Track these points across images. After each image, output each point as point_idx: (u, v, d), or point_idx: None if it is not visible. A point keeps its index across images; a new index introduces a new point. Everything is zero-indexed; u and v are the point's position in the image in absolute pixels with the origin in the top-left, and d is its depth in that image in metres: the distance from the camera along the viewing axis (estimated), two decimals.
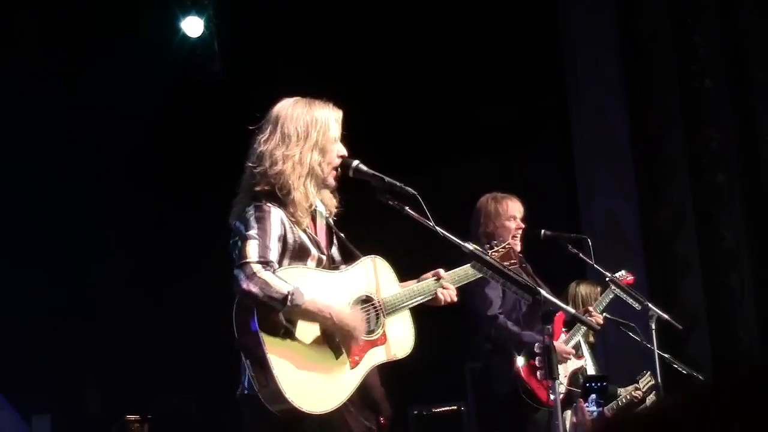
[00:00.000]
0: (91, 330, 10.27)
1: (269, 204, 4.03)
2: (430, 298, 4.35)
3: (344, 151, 4.22)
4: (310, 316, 3.90)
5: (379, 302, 4.21)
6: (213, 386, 4.55)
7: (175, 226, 10.47)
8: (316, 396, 3.89)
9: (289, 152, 4.10)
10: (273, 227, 3.98)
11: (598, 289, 7.35)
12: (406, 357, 4.25)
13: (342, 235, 4.37)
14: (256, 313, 3.83)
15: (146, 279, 10.64)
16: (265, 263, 3.87)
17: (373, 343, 4.15)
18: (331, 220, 4.34)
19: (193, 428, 10.31)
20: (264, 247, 3.91)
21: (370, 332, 4.15)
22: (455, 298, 4.40)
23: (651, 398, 6.88)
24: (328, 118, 4.20)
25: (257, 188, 4.09)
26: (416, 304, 4.32)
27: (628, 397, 7.09)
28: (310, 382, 3.90)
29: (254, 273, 3.80)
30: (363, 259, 4.29)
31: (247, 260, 3.85)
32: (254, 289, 3.78)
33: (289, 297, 3.78)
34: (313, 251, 4.12)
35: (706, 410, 0.93)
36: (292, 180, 4.05)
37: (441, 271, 4.40)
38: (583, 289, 7.40)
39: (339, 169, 4.20)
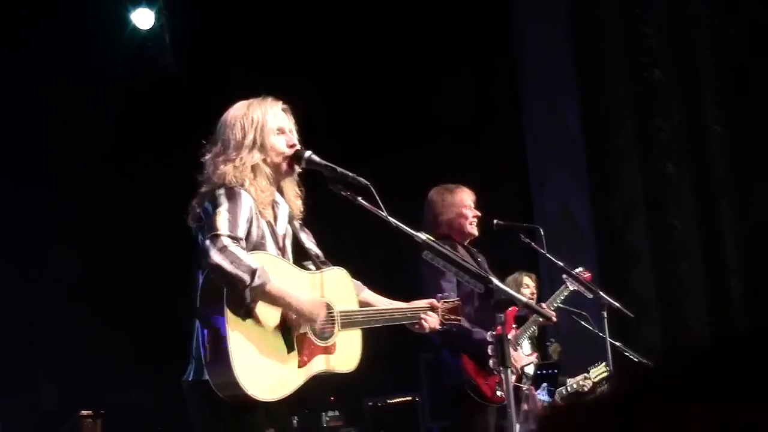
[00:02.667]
0: (42, 326, 10.19)
1: (240, 187, 4.04)
2: (413, 322, 4.45)
3: (293, 140, 4.23)
4: (271, 297, 3.89)
5: (337, 313, 4.21)
6: (166, 381, 4.54)
7: (127, 220, 10.40)
8: (263, 383, 3.88)
9: (228, 156, 4.12)
10: (243, 208, 3.97)
11: (523, 276, 7.42)
12: (346, 373, 4.27)
13: (313, 243, 4.39)
14: (225, 288, 3.83)
15: (98, 274, 10.56)
16: (235, 239, 3.86)
17: (323, 350, 4.14)
18: (296, 226, 4.34)
19: (147, 423, 10.27)
20: (234, 223, 3.90)
21: (323, 338, 4.15)
22: (438, 326, 4.51)
23: (604, 389, 6.91)
24: (264, 114, 4.20)
25: (202, 190, 4.10)
26: (386, 324, 4.37)
27: (575, 386, 7.12)
28: (260, 368, 3.89)
29: (225, 246, 3.78)
30: (331, 268, 4.30)
31: (218, 232, 3.83)
32: (224, 262, 3.75)
33: (257, 274, 3.77)
34: (271, 244, 4.12)
35: (655, 391, 0.94)
36: (237, 177, 4.06)
37: (434, 301, 4.51)
38: (508, 280, 7.47)
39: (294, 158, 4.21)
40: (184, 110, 9.19)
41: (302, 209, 4.37)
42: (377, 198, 3.98)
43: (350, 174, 4.07)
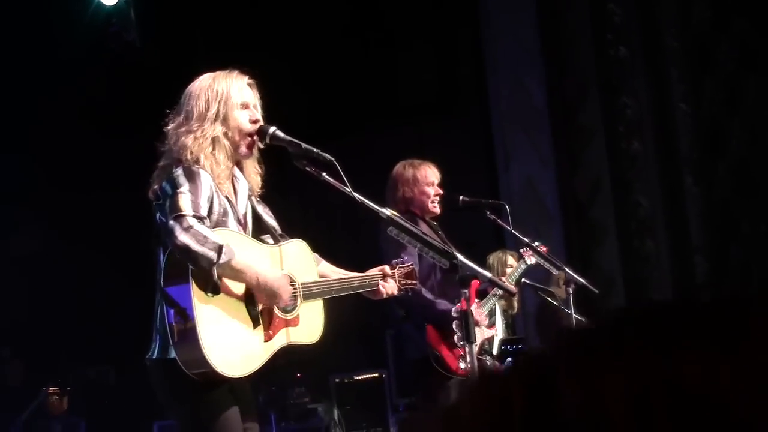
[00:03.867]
0: (7, 303, 10.12)
1: (197, 166, 4.02)
2: (371, 290, 4.47)
3: (256, 116, 4.20)
4: (238, 273, 3.91)
5: (298, 285, 4.22)
6: (132, 357, 4.55)
7: (92, 195, 10.35)
8: (231, 359, 3.90)
9: (190, 127, 4.09)
10: (203, 187, 3.96)
11: (507, 255, 7.44)
12: (310, 346, 4.28)
13: (271, 217, 4.38)
14: (192, 266, 3.83)
15: (63, 250, 10.51)
16: (199, 218, 3.85)
17: (287, 323, 4.15)
18: (255, 201, 4.34)
19: (112, 399, 10.24)
20: (197, 203, 3.89)
21: (286, 311, 4.15)
22: (396, 292, 4.55)
23: None
24: (229, 87, 4.18)
25: (161, 164, 4.08)
26: (345, 294, 4.38)
27: None
28: (228, 344, 3.91)
29: (191, 226, 3.77)
30: (290, 240, 4.31)
31: (183, 213, 3.82)
32: (190, 241, 3.74)
33: (223, 251, 3.77)
34: (232, 220, 4.11)
35: (576, 352, 0.95)
36: (196, 151, 4.04)
37: (386, 268, 4.51)
38: (491, 258, 7.49)
39: (256, 136, 4.19)
40: (149, 86, 9.14)
41: (261, 185, 4.35)
42: (342, 174, 3.98)
43: (315, 150, 4.06)
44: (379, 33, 10.94)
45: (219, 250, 3.76)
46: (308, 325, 4.25)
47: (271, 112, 4.33)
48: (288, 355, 4.21)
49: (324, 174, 4.05)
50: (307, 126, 4.66)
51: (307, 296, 4.24)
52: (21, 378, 10.46)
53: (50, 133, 10.30)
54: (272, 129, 4.16)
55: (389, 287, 4.50)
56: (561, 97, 10.05)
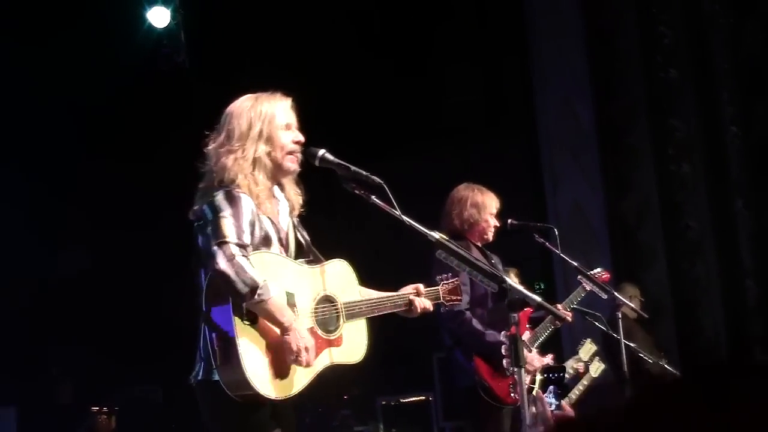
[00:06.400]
0: (56, 322, 10.21)
1: (238, 190, 4.03)
2: (405, 308, 4.42)
3: (300, 137, 4.21)
4: (268, 314, 3.90)
5: (341, 305, 4.22)
6: (179, 376, 4.57)
7: (139, 216, 10.41)
8: (274, 382, 3.91)
9: (231, 147, 4.10)
10: (245, 212, 3.97)
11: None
12: (356, 364, 4.26)
13: (307, 237, 4.38)
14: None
15: (111, 270, 10.58)
16: (242, 246, 3.86)
17: (330, 343, 4.16)
18: (295, 220, 4.34)
19: (160, 418, 10.29)
20: (239, 228, 3.90)
21: (329, 331, 4.15)
22: (430, 308, 4.50)
23: (595, 365, 6.81)
24: (273, 108, 4.19)
25: (202, 185, 4.10)
26: (385, 313, 4.36)
27: (571, 371, 7.01)
28: (271, 367, 3.91)
29: (233, 255, 3.79)
30: (331, 260, 4.30)
31: (227, 239, 3.84)
32: (229, 271, 3.76)
33: (259, 290, 3.78)
34: (275, 242, 4.12)
35: (668, 406, 0.95)
36: (236, 171, 4.04)
37: (420, 286, 4.48)
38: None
39: (300, 155, 4.19)
40: (196, 107, 9.20)
41: (302, 204, 4.35)
42: (391, 197, 3.96)
43: (364, 173, 4.04)
44: (427, 55, 10.96)
45: (254, 289, 3.77)
46: (352, 345, 4.24)
47: (317, 133, 4.33)
48: (338, 375, 4.20)
49: (373, 197, 4.03)
50: (351, 147, 4.64)
51: (350, 316, 4.24)
52: (71, 396, 10.55)
53: (97, 154, 10.39)
54: (321, 152, 4.15)
55: (422, 302, 4.47)
56: (609, 120, 10.00)
